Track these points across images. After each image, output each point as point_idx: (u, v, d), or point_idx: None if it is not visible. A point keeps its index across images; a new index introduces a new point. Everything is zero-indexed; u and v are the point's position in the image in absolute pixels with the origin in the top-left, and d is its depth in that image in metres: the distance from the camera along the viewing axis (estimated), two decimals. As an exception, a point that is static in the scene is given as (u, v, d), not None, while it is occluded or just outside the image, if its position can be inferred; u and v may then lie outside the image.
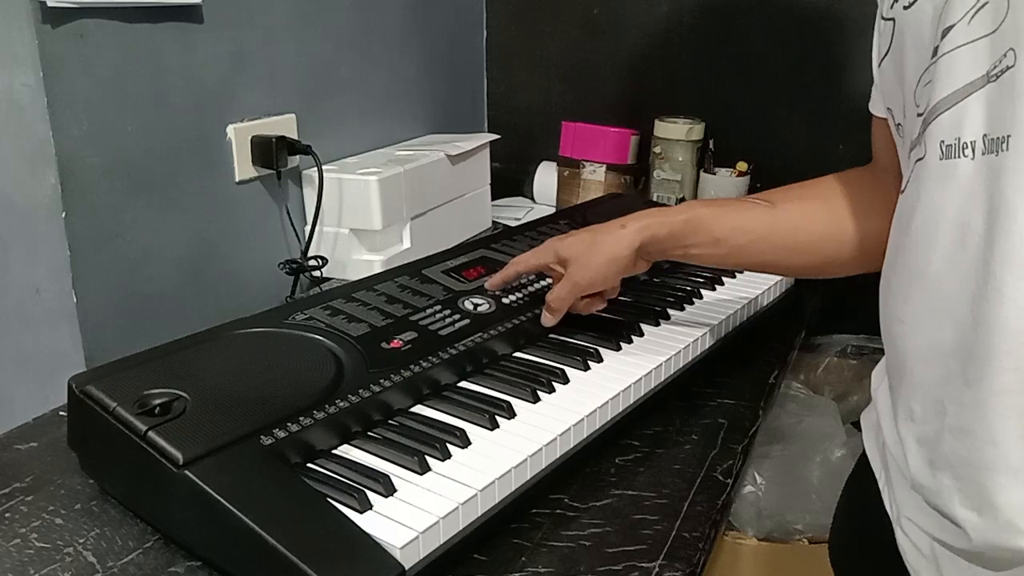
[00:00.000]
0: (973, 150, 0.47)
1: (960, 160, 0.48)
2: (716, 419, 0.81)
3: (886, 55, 0.58)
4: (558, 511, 0.66)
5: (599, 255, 0.78)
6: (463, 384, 0.75)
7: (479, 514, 0.59)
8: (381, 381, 0.69)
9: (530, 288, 0.90)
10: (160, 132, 0.96)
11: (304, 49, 1.15)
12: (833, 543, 0.75)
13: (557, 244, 0.82)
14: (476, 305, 0.84)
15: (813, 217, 0.73)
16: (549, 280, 0.89)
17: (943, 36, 0.49)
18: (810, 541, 1.13)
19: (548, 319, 0.83)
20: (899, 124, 0.58)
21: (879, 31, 0.60)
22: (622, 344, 0.82)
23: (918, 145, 0.52)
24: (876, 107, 0.67)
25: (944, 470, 0.51)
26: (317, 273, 1.13)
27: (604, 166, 1.45)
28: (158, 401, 0.61)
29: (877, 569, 0.64)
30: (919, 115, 0.53)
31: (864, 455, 0.66)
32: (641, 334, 0.85)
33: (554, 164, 1.52)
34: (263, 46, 1.08)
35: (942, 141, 0.49)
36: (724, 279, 1.01)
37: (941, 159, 0.49)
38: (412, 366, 0.72)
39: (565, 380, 0.75)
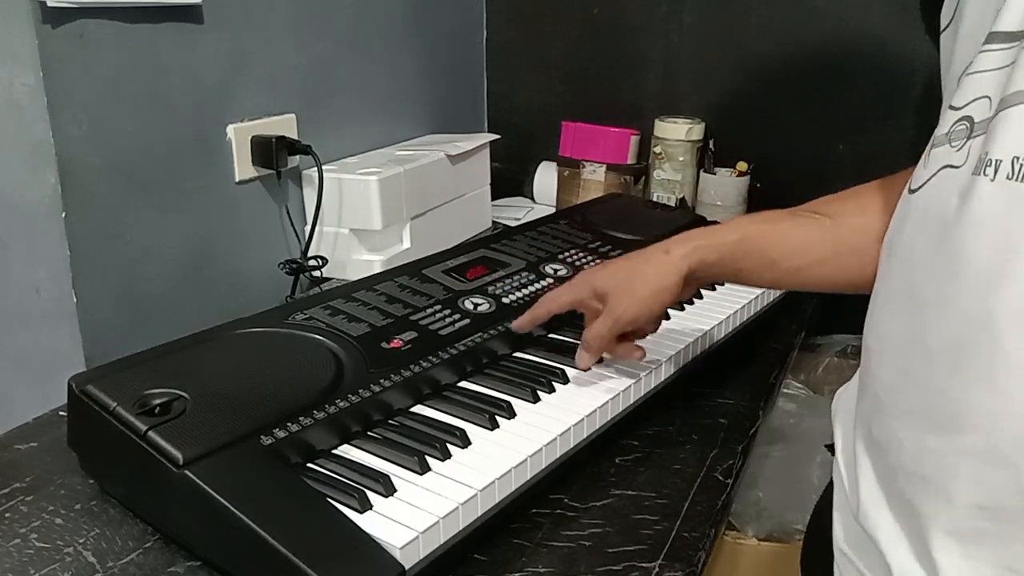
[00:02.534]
0: (996, 170, 0.41)
1: (980, 178, 0.42)
2: (716, 419, 0.81)
3: (947, 27, 0.51)
4: (558, 511, 0.66)
5: (643, 287, 0.70)
6: (463, 384, 0.75)
7: (479, 514, 0.59)
8: (381, 381, 0.69)
9: (530, 288, 0.89)
10: (160, 132, 0.96)
11: (304, 49, 1.15)
12: (803, 550, 0.72)
13: (593, 277, 0.74)
14: (476, 305, 0.84)
15: (879, 236, 0.65)
16: (550, 281, 0.89)
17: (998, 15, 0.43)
18: (810, 541, 1.13)
19: (584, 359, 0.75)
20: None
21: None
22: (622, 344, 0.82)
23: (945, 145, 0.46)
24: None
25: (894, 510, 0.47)
26: (317, 273, 1.13)
27: (604, 166, 1.45)
28: (158, 401, 0.61)
29: None
30: (954, 108, 0.46)
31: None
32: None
33: (554, 164, 1.52)
34: (263, 46, 1.08)
35: (999, 160, 0.42)
36: (724, 279, 1.01)
37: (971, 173, 0.43)
38: (412, 366, 0.72)
39: (565, 380, 0.75)
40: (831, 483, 0.67)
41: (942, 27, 0.52)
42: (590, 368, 0.76)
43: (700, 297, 0.96)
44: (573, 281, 0.76)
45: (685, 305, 0.93)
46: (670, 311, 0.90)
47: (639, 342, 0.76)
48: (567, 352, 0.79)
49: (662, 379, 0.80)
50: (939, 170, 0.46)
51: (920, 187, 0.48)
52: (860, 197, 0.68)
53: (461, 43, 1.54)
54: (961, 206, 0.42)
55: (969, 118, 0.44)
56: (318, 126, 1.18)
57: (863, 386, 0.52)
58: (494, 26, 1.59)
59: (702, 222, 1.15)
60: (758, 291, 0.98)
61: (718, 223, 0.70)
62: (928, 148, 0.47)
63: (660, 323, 0.76)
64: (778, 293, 1.03)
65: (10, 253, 0.87)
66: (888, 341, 0.48)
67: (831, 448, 0.62)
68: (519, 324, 0.79)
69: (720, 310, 0.92)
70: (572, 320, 0.87)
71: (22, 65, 0.81)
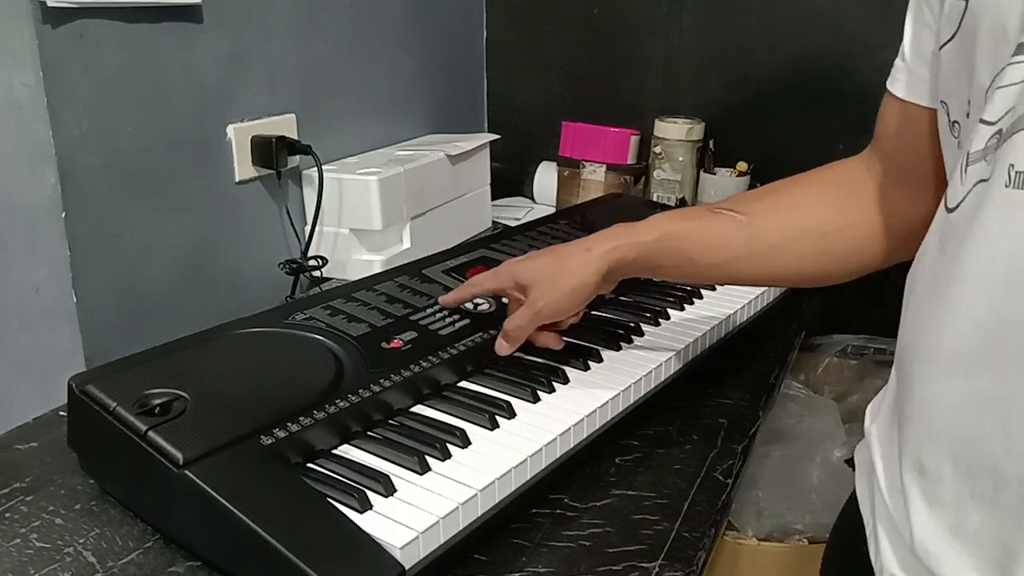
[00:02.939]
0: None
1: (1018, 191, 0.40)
2: (716, 419, 0.81)
3: (950, 40, 0.49)
4: (558, 511, 0.66)
5: (563, 282, 0.71)
6: (463, 384, 0.75)
7: (479, 514, 0.59)
8: (381, 381, 0.69)
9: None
10: (160, 132, 0.96)
11: (304, 49, 1.15)
12: (827, 563, 0.70)
13: (516, 268, 0.75)
14: (476, 305, 0.84)
15: (794, 234, 0.67)
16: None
17: None
18: (810, 541, 1.13)
19: (503, 347, 0.76)
20: (955, 122, 0.50)
21: (943, 10, 0.50)
22: (622, 344, 0.82)
23: (981, 161, 0.44)
24: (911, 91, 0.58)
25: (965, 542, 0.45)
26: (317, 273, 1.13)
27: (604, 166, 1.45)
28: (158, 401, 0.61)
29: None
30: (986, 123, 0.44)
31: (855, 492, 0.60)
32: (641, 334, 0.85)
33: (554, 164, 1.52)
34: (263, 46, 1.08)
35: (1011, 165, 0.41)
36: (724, 279, 1.01)
37: (1007, 186, 0.41)
38: (412, 366, 0.72)
39: (565, 380, 0.75)
40: (842, 512, 0.65)
41: (937, 45, 0.52)
42: (510, 355, 0.77)
43: (700, 297, 0.96)
44: (498, 269, 0.77)
45: (685, 305, 0.93)
46: (671, 312, 0.91)
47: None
48: (567, 352, 0.79)
49: (662, 379, 0.80)
50: (974, 186, 0.44)
51: (957, 205, 0.46)
52: (775, 195, 0.70)
53: (461, 43, 1.54)
54: (1005, 220, 0.41)
55: (1000, 131, 0.43)
56: (318, 126, 1.18)
57: (904, 411, 0.50)
58: (494, 26, 1.59)
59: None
60: (758, 291, 0.98)
61: (649, 216, 0.72)
62: (963, 164, 0.46)
63: (580, 316, 0.78)
64: (778, 293, 1.03)
65: (10, 253, 0.87)
66: (941, 363, 0.46)
67: (851, 464, 0.60)
68: (445, 300, 0.82)
69: (720, 310, 0.92)
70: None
71: (22, 65, 0.81)
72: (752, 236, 0.67)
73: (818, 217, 0.67)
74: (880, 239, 0.66)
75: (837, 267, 0.68)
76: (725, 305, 0.94)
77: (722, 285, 0.98)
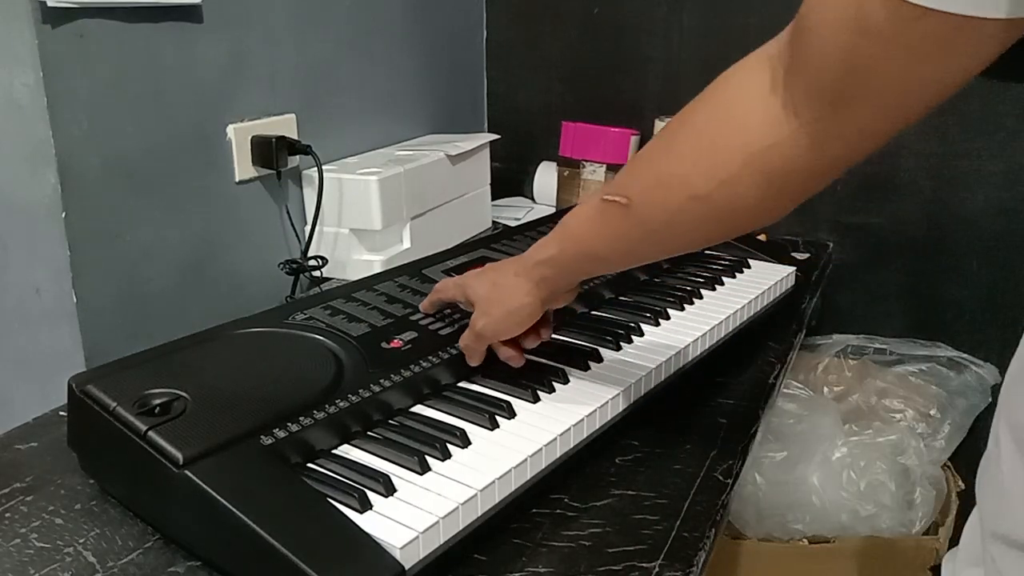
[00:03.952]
0: None
1: None
2: (716, 419, 0.81)
3: None
4: (558, 511, 0.66)
5: (498, 306, 0.69)
6: (463, 384, 0.75)
7: (479, 514, 0.59)
8: (381, 381, 0.69)
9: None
10: (160, 132, 0.96)
11: (304, 49, 1.15)
12: None
13: (466, 282, 0.73)
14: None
15: (677, 203, 0.56)
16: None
17: None
18: (810, 541, 1.13)
19: (470, 360, 0.74)
20: None
21: None
22: (622, 344, 0.82)
23: None
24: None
25: None
26: (317, 273, 1.13)
27: (604, 166, 1.45)
28: (158, 401, 0.61)
29: None
30: None
31: None
32: (641, 334, 0.85)
33: (554, 164, 1.52)
34: (263, 46, 1.08)
35: None
36: (724, 279, 1.01)
37: None
38: (412, 366, 0.72)
39: (565, 380, 0.75)
40: None
41: None
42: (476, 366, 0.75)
43: (700, 297, 0.96)
44: (457, 280, 0.75)
45: (685, 305, 0.93)
46: (671, 312, 0.91)
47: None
48: (568, 352, 0.79)
49: (662, 379, 0.80)
50: None
51: None
52: (638, 165, 0.61)
53: (461, 43, 1.54)
54: None
55: None
56: (318, 126, 1.18)
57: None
58: (494, 26, 1.59)
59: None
60: (758, 291, 0.98)
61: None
62: None
63: (549, 333, 0.74)
64: (778, 293, 1.03)
65: (10, 253, 0.87)
66: None
67: (936, 571, 0.55)
68: (422, 306, 0.80)
69: (720, 310, 0.92)
70: (572, 320, 0.87)
71: (22, 65, 0.81)
72: (639, 220, 0.59)
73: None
74: None
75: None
76: (725, 305, 0.94)
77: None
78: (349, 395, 0.66)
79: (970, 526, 0.51)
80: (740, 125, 0.50)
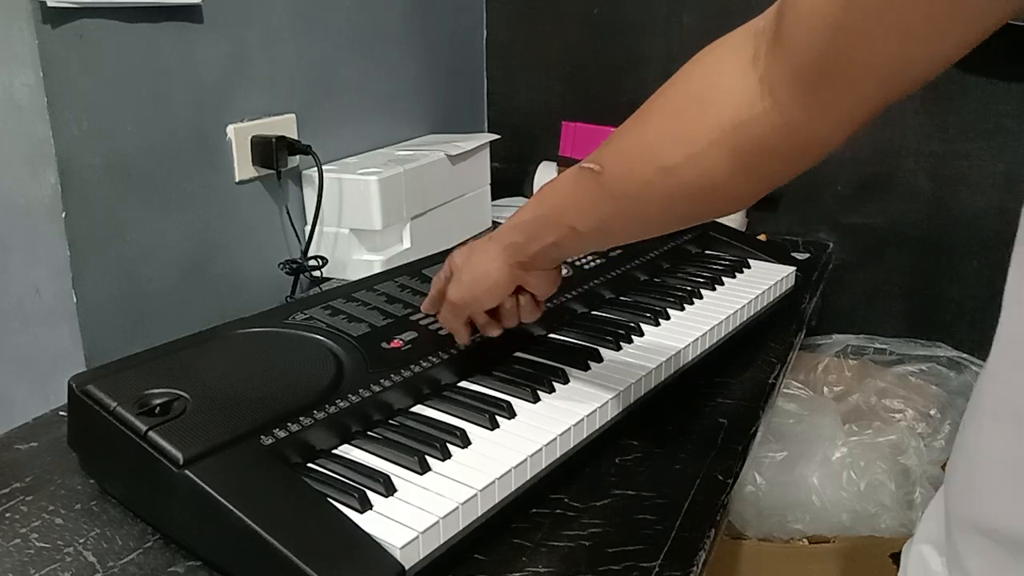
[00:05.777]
0: None
1: None
2: (716, 419, 0.81)
3: None
4: (558, 511, 0.66)
5: (468, 272, 0.68)
6: (463, 384, 0.75)
7: (479, 514, 0.59)
8: (381, 381, 0.69)
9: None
10: (160, 132, 0.96)
11: (304, 49, 1.15)
12: None
13: (450, 256, 0.72)
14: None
15: (646, 175, 0.54)
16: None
17: None
18: (810, 541, 1.13)
19: (458, 338, 0.74)
20: None
21: None
22: (622, 344, 0.82)
23: None
24: None
25: None
26: (317, 273, 1.13)
27: (604, 166, 1.45)
28: (158, 401, 0.61)
29: None
30: None
31: None
32: (641, 334, 0.85)
33: (554, 164, 1.52)
34: (263, 46, 1.08)
35: None
36: (724, 279, 1.01)
37: None
38: (412, 366, 0.72)
39: (565, 380, 0.75)
40: None
41: None
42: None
43: (700, 297, 0.96)
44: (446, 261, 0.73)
45: (685, 305, 0.93)
46: (671, 312, 0.91)
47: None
48: (568, 352, 0.79)
49: (662, 379, 0.80)
50: None
51: None
52: (616, 133, 0.58)
53: (461, 43, 1.54)
54: None
55: None
56: (318, 126, 1.18)
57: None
58: (494, 26, 1.59)
59: (701, 223, 1.15)
60: (758, 291, 0.98)
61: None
62: None
63: (533, 315, 0.72)
64: (778, 293, 1.03)
65: (10, 253, 0.88)
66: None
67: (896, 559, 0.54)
68: (423, 306, 0.78)
69: (720, 310, 0.92)
70: (572, 320, 0.87)
71: (22, 65, 0.82)
72: (612, 192, 0.57)
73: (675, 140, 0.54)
74: None
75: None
76: (725, 305, 0.94)
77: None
78: (349, 395, 0.66)
79: (935, 503, 0.49)
80: (712, 98, 0.49)
